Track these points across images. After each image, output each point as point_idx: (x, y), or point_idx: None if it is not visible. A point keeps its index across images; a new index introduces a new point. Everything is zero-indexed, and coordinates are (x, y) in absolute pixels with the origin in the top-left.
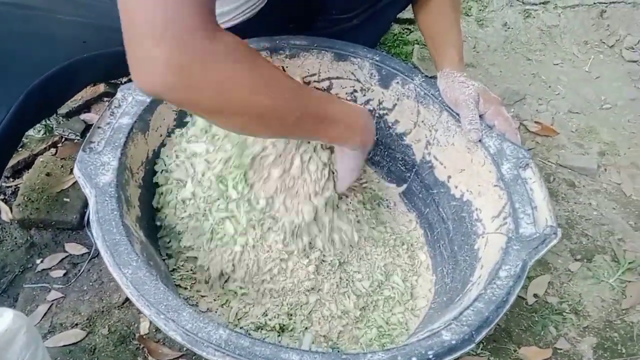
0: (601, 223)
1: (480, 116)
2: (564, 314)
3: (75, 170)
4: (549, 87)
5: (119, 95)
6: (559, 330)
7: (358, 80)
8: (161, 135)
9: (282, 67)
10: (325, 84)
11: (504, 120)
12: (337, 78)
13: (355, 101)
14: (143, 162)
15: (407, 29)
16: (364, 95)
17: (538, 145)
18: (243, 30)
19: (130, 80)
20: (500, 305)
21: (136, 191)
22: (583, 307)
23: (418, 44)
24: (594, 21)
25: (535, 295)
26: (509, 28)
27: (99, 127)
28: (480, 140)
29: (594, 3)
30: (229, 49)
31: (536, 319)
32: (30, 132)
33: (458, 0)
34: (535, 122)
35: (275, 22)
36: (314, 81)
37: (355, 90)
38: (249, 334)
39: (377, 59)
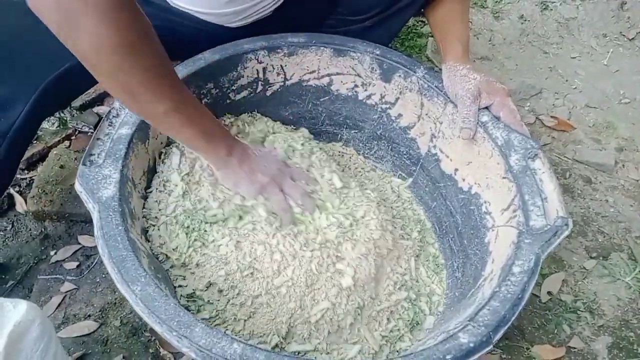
0: (618, 220)
1: (486, 108)
2: (579, 312)
3: (77, 185)
4: (566, 80)
5: (116, 104)
6: (573, 329)
7: (359, 75)
8: (162, 143)
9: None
10: (325, 80)
11: (509, 111)
12: (337, 74)
13: (356, 96)
14: (145, 171)
15: (421, 21)
16: (365, 90)
17: (554, 140)
18: (257, 28)
19: None
20: (516, 302)
21: (139, 202)
22: (598, 305)
23: (432, 36)
24: (613, 13)
25: (549, 293)
26: (525, 20)
27: (98, 139)
28: (488, 134)
29: None
30: (120, 25)
31: (550, 317)
32: (45, 124)
33: None
34: (552, 117)
35: (287, 20)
36: (314, 78)
37: (356, 85)
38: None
39: (378, 52)
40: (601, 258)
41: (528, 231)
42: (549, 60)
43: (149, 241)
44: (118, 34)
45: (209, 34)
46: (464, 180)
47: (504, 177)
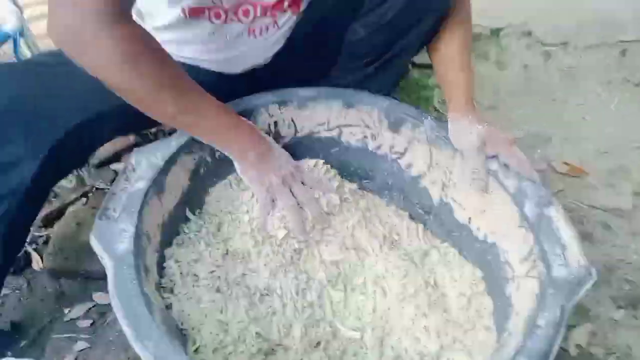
0: None
1: (494, 156)
2: None
3: (92, 240)
4: (575, 127)
5: (133, 159)
6: None
7: (368, 127)
8: (176, 197)
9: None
10: (336, 132)
11: (518, 160)
12: (347, 125)
13: (366, 147)
14: (159, 225)
15: (427, 73)
16: (374, 140)
17: (568, 186)
18: (258, 76)
19: (145, 138)
20: (544, 358)
21: (154, 256)
22: (632, 359)
23: (439, 87)
24: (615, 60)
25: (577, 346)
26: (529, 70)
27: (114, 194)
28: (499, 182)
29: (616, 42)
30: (117, 39)
31: None
32: (63, 182)
33: (468, 41)
34: (564, 163)
35: (290, 70)
36: (324, 130)
37: (365, 137)
38: None
39: (385, 105)
40: (630, 307)
41: (551, 281)
42: (555, 108)
43: (162, 297)
44: (120, 47)
45: (214, 85)
46: (479, 229)
47: (520, 226)
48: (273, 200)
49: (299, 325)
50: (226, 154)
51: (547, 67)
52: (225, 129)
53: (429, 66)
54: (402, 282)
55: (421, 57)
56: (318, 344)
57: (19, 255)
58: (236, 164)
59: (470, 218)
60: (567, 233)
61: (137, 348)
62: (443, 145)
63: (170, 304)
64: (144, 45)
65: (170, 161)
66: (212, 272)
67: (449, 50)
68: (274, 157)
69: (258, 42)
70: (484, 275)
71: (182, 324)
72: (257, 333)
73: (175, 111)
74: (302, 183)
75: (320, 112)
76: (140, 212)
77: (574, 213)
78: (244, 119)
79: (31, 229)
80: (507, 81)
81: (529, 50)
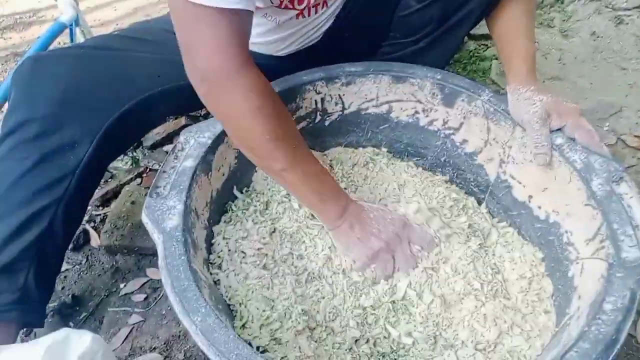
0: None
1: (559, 129)
2: None
3: (143, 217)
4: None
5: (181, 138)
6: None
7: (419, 102)
8: (223, 175)
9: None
10: (385, 107)
11: (585, 132)
12: (397, 101)
13: (417, 123)
14: (207, 202)
15: (484, 44)
16: (427, 116)
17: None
18: (309, 57)
19: (195, 120)
20: (610, 345)
21: (202, 233)
22: None
23: (496, 59)
24: None
25: None
26: (598, 37)
27: (164, 172)
28: (564, 157)
29: None
30: (239, 87)
31: None
32: (118, 163)
33: (531, 8)
34: (635, 136)
35: (340, 48)
36: (373, 106)
37: (417, 112)
38: None
39: (439, 77)
40: None
41: (619, 264)
42: (628, 77)
43: (210, 273)
44: (247, 99)
45: (264, 67)
46: (540, 208)
47: (586, 204)
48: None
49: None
50: (320, 218)
51: (620, 33)
52: (326, 190)
53: (486, 36)
54: (466, 279)
55: (478, 28)
56: (367, 340)
57: (78, 232)
58: (331, 232)
59: (530, 196)
60: (639, 212)
61: (184, 322)
62: (502, 119)
63: (219, 279)
64: (269, 99)
65: (218, 140)
66: (259, 249)
67: (510, 18)
68: (371, 220)
69: (307, 22)
70: (544, 257)
71: (229, 299)
72: (302, 310)
73: (285, 165)
74: (409, 242)
75: (368, 88)
76: (188, 190)
77: None
78: (345, 191)
79: (89, 208)
80: (573, 50)
81: (599, 16)
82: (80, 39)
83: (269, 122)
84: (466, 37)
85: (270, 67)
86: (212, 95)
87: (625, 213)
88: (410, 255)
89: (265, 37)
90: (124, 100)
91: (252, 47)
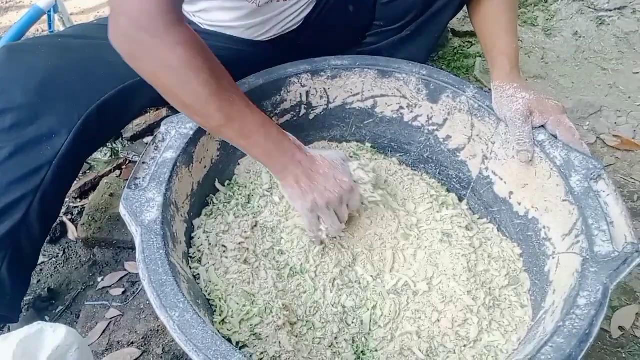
0: None
1: (542, 127)
2: None
3: (121, 209)
4: (629, 97)
5: (162, 129)
6: None
7: (404, 97)
8: (205, 167)
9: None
10: (370, 102)
11: (566, 129)
12: (382, 96)
13: (402, 118)
14: (188, 195)
15: (468, 42)
16: (411, 111)
17: (618, 160)
18: (290, 44)
19: (177, 111)
20: (583, 339)
21: (182, 226)
22: None
23: (480, 56)
24: None
25: (621, 328)
26: (580, 37)
27: (143, 163)
28: (545, 154)
29: None
30: (174, 44)
31: (623, 356)
32: (97, 155)
33: (513, 3)
34: (614, 136)
35: (322, 37)
36: (357, 101)
37: (401, 107)
38: None
39: (424, 73)
40: None
41: (593, 258)
42: (608, 77)
43: (190, 267)
44: (173, 54)
45: (242, 53)
46: (519, 204)
47: (564, 200)
48: (318, 217)
49: (328, 313)
50: (268, 168)
51: (602, 33)
52: (270, 143)
53: (471, 34)
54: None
55: (462, 25)
56: (347, 338)
57: (56, 225)
58: (278, 180)
59: (511, 192)
60: (615, 209)
61: (162, 317)
62: (486, 115)
63: (198, 274)
64: (200, 53)
65: (200, 131)
66: (240, 243)
67: (492, 11)
68: (321, 176)
69: (287, 5)
70: (523, 252)
71: (209, 294)
72: (283, 305)
73: (222, 121)
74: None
75: (353, 82)
76: (168, 182)
77: (624, 189)
78: (288, 134)
79: (66, 200)
80: (556, 49)
81: (581, 16)
82: (59, 27)
83: (200, 77)
84: (451, 34)
85: (249, 53)
86: (139, 53)
87: (601, 209)
88: (342, 218)
89: (244, 21)
90: (102, 91)
91: (231, 32)
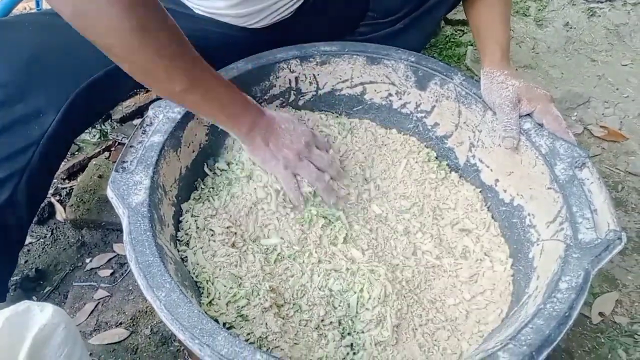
0: None
1: (528, 115)
2: (636, 336)
3: (109, 191)
4: (617, 89)
5: (150, 112)
6: (629, 355)
7: (393, 84)
8: (193, 151)
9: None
10: (359, 89)
11: (553, 118)
12: (371, 82)
13: (390, 105)
14: (176, 179)
15: (460, 30)
16: (400, 98)
17: (604, 151)
18: (284, 32)
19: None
20: (563, 321)
21: (170, 209)
22: None
23: (472, 45)
24: None
25: (601, 314)
26: (571, 28)
27: (131, 146)
28: (531, 142)
29: None
30: (118, 4)
31: (602, 341)
32: (86, 136)
33: None
34: (601, 127)
35: (315, 25)
36: (347, 87)
37: (390, 94)
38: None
39: (413, 59)
40: None
41: (576, 245)
42: (597, 68)
43: (178, 250)
44: (130, 15)
45: (234, 38)
46: (505, 191)
47: (549, 188)
48: (295, 175)
49: (315, 296)
50: (233, 134)
51: (592, 25)
52: (237, 105)
53: (463, 22)
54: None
55: (455, 13)
56: (333, 320)
57: (43, 206)
58: (245, 146)
59: (497, 180)
60: (599, 197)
61: (148, 297)
62: (473, 102)
63: (186, 257)
64: (157, 15)
65: (188, 115)
66: (228, 227)
67: (486, 3)
68: (283, 131)
69: None
70: (508, 238)
71: (196, 276)
72: (270, 287)
73: (183, 87)
74: (317, 148)
75: (342, 68)
76: (155, 165)
77: (609, 179)
78: (249, 97)
79: (55, 181)
80: (546, 40)
81: (572, 7)
82: (47, 5)
83: (158, 40)
84: (443, 22)
85: (242, 39)
86: (91, 12)
87: (585, 197)
88: (328, 160)
89: (237, 9)
90: (92, 70)
91: (223, 19)
